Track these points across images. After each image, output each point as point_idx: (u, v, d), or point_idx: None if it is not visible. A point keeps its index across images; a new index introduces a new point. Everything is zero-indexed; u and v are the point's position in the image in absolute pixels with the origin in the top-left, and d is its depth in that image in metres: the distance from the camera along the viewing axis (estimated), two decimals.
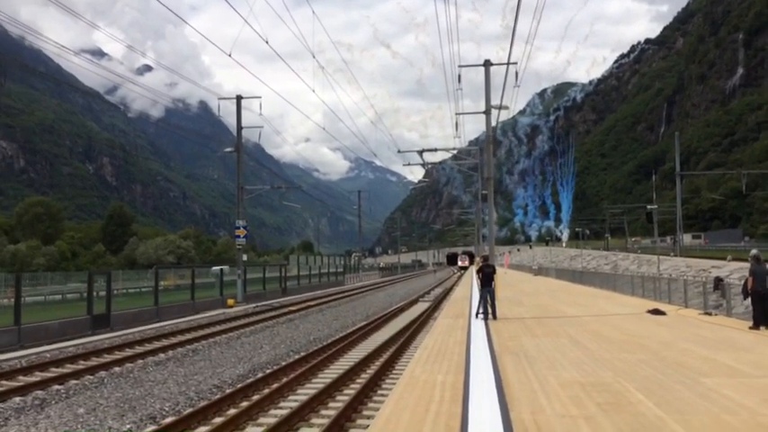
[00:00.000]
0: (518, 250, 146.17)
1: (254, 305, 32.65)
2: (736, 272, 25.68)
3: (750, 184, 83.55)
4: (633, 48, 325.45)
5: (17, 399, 11.40)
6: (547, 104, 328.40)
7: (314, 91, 26.28)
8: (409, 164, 32.32)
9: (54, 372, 14.09)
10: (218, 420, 9.56)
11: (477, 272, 16.84)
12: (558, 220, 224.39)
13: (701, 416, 6.17)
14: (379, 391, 11.52)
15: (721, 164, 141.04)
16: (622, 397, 7.11)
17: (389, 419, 6.61)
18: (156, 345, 18.07)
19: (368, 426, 8.24)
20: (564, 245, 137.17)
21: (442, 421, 6.37)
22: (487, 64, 24.46)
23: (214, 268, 48.08)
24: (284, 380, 12.41)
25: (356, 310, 30.61)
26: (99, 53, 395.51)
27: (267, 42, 20.38)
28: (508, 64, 20.35)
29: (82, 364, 15.01)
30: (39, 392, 11.96)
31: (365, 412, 10.02)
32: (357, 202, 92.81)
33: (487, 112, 24.78)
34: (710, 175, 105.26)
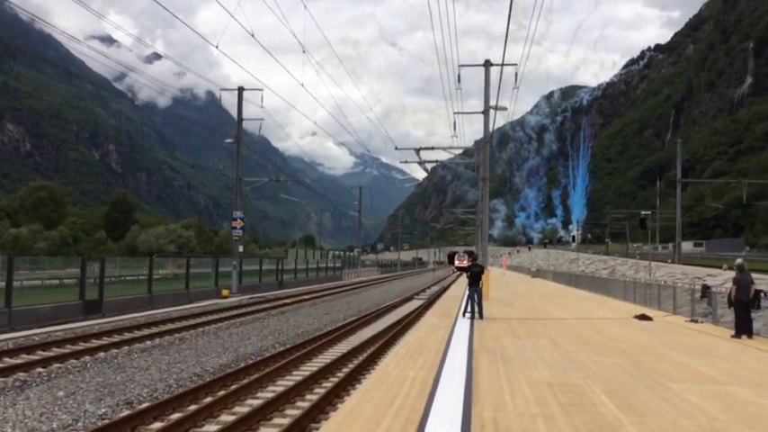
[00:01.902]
0: (518, 252, 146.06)
1: (248, 296, 32.78)
2: (729, 281, 25.62)
3: (755, 194, 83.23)
4: (643, 53, 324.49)
5: None
6: (554, 107, 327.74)
7: (302, 85, 26.24)
8: (406, 161, 32.23)
9: (39, 355, 14.18)
10: (192, 408, 9.64)
11: (465, 271, 16.93)
12: (564, 223, 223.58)
13: (659, 419, 6.22)
14: (357, 385, 11.57)
15: (726, 172, 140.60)
16: (586, 398, 7.16)
17: (352, 411, 6.70)
18: (145, 332, 18.16)
19: None
20: (574, 247, 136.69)
21: (403, 414, 6.44)
22: (487, 64, 24.45)
23: None
24: (265, 371, 12.48)
25: (349, 305, 30.67)
26: (109, 39, 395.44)
27: (253, 36, 20.43)
28: (502, 65, 20.35)
29: (68, 349, 15.11)
30: (21, 374, 12.05)
31: (339, 405, 10.07)
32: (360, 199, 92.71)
33: (486, 113, 24.80)
34: (715, 183, 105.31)
